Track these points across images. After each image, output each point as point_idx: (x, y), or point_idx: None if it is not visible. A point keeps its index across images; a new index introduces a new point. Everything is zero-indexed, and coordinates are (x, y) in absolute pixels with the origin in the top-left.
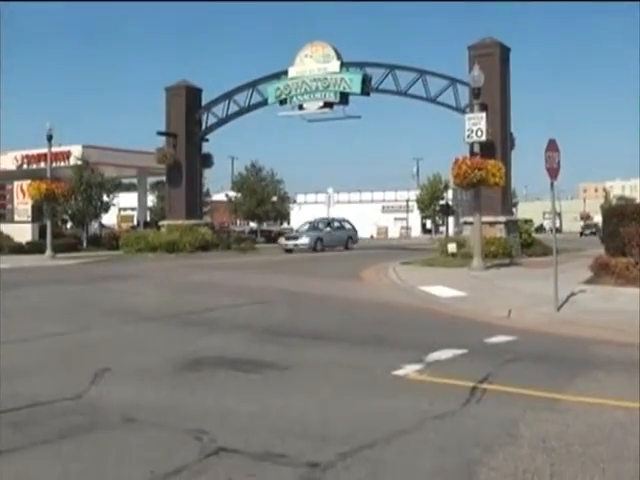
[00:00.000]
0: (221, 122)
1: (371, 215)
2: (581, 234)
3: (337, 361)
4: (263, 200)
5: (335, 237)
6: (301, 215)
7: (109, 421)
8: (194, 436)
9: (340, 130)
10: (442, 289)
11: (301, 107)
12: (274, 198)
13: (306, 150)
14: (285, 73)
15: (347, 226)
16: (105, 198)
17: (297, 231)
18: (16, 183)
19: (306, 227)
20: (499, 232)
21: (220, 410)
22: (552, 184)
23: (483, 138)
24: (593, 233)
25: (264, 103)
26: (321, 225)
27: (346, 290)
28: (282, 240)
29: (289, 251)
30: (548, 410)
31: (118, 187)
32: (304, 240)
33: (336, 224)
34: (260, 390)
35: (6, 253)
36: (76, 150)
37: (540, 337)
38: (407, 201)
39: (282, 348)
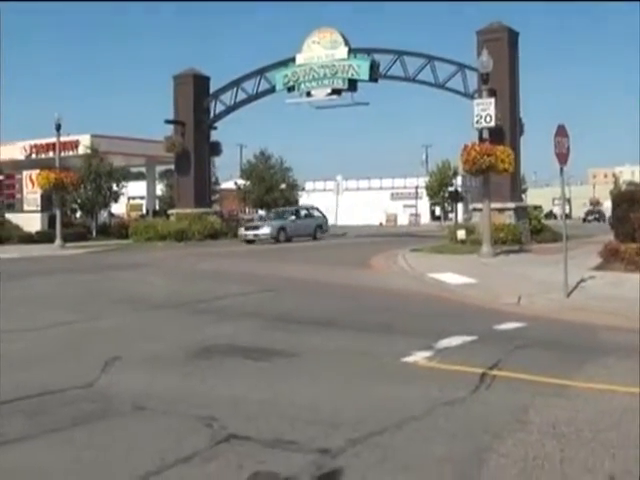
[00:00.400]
0: (229, 110)
1: (380, 202)
2: (584, 220)
3: (347, 348)
4: (272, 188)
5: (300, 226)
6: (310, 202)
7: (120, 409)
8: (205, 423)
9: (348, 117)
10: (451, 276)
11: (309, 94)
12: (283, 186)
13: (315, 137)
14: (293, 60)
15: (316, 214)
16: (114, 187)
17: (258, 219)
18: (25, 172)
19: (271, 216)
20: (508, 218)
21: (230, 397)
22: (561, 170)
23: (492, 124)
24: (596, 219)
25: (272, 90)
26: (286, 214)
27: (355, 277)
28: (241, 230)
29: (250, 242)
30: (558, 396)
31: (127, 176)
32: (265, 230)
33: (303, 212)
34: (270, 377)
35: (15, 243)
36: (85, 139)
37: (550, 323)
38: (416, 188)
39: (291, 336)
